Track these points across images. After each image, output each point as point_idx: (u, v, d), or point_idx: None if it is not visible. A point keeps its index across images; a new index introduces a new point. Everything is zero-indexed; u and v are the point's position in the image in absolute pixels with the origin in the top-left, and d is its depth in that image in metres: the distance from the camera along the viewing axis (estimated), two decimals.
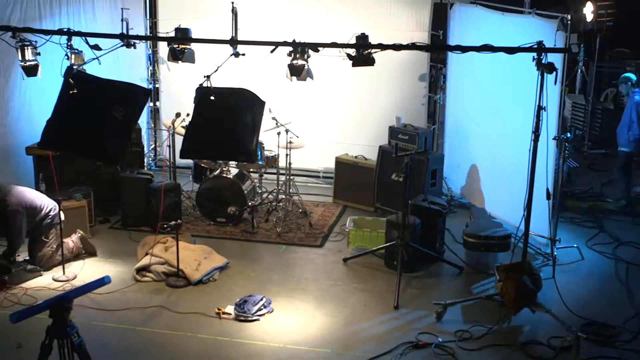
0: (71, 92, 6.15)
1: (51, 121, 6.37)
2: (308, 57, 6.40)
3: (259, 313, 6.16)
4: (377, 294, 6.56)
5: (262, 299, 6.30)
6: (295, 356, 5.60)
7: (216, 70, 6.86)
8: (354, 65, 6.10)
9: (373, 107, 9.31)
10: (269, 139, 8.41)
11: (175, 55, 6.85)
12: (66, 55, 6.54)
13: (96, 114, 6.20)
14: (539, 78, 5.62)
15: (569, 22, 7.04)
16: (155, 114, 10.27)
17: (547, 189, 6.55)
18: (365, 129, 9.49)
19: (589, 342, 5.71)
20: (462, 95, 9.10)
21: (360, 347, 5.68)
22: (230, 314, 6.15)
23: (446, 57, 9.33)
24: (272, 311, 6.25)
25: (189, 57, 6.90)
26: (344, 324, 6.12)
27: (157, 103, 10.29)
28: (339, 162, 9.13)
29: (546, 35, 6.30)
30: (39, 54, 6.67)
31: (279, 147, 8.43)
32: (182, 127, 8.56)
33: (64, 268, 6.84)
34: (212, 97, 6.49)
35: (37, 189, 7.35)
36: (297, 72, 6.43)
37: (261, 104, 7.27)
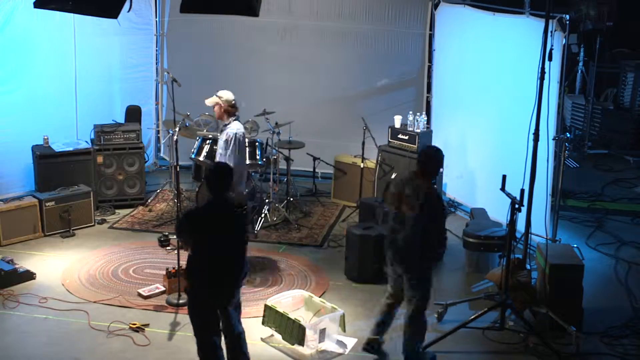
0: None
1: None
2: None
3: None
4: (377, 294, 6.54)
5: None
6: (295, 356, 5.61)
7: None
8: None
9: (373, 107, 9.30)
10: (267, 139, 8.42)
11: None
12: None
13: None
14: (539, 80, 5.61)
15: (567, 22, 6.86)
16: (156, 114, 10.24)
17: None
18: None
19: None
20: (452, 94, 9.00)
21: (360, 347, 5.68)
22: None
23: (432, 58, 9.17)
24: None
25: None
26: None
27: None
28: (338, 162, 9.12)
29: (541, 37, 6.00)
30: None
31: (277, 147, 8.42)
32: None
33: None
34: None
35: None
36: None
37: None
